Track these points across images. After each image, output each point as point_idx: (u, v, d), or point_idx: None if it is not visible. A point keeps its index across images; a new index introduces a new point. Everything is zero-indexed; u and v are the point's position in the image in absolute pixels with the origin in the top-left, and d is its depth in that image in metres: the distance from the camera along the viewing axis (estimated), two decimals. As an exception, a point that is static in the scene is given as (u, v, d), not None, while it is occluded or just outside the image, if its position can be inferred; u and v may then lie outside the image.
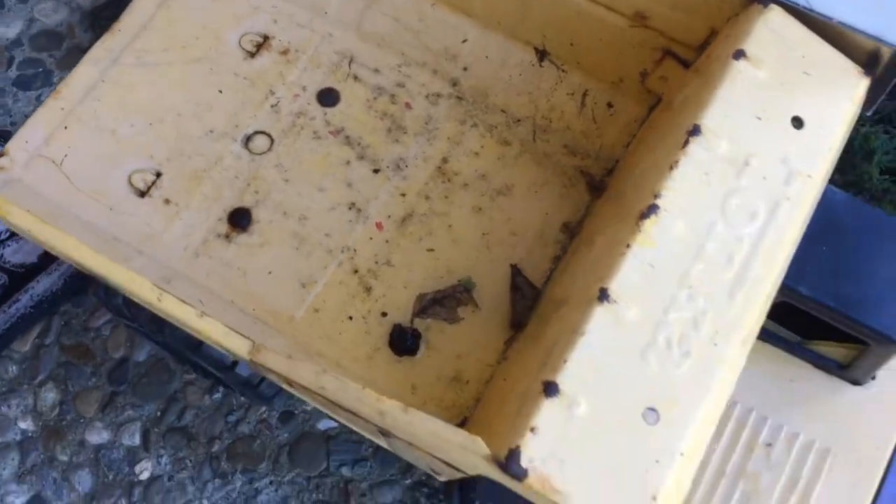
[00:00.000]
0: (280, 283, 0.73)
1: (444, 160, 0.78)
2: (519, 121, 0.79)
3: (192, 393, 0.97)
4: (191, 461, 0.94)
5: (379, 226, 0.76)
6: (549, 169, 0.77)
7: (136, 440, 0.95)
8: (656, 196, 0.53)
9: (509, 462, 0.47)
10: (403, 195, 0.77)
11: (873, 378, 0.63)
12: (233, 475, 0.93)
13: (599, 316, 0.50)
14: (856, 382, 0.63)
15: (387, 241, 0.75)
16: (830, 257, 0.58)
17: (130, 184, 0.76)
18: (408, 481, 0.92)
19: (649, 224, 0.52)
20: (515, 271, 0.73)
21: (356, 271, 0.74)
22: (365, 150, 0.78)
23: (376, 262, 0.74)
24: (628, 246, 0.52)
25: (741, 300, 0.51)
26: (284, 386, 0.63)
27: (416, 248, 0.75)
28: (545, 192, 0.76)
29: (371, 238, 0.75)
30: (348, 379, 0.54)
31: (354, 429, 0.66)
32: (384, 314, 0.72)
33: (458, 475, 0.58)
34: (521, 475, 0.47)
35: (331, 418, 0.94)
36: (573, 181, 0.76)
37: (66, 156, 0.77)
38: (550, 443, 0.48)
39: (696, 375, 0.50)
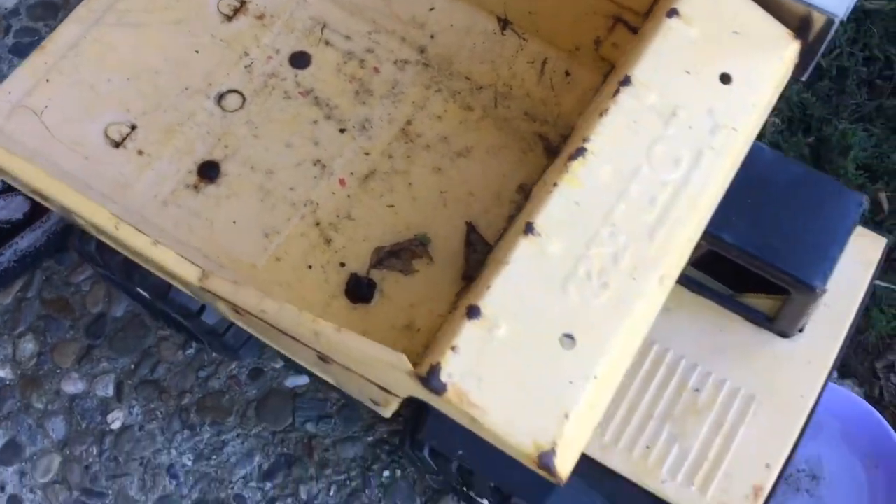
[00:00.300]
0: (244, 232, 0.77)
1: (409, 122, 0.81)
2: (481, 88, 0.82)
3: (166, 348, 1.00)
4: (161, 413, 0.97)
5: (342, 182, 0.79)
6: (509, 134, 0.80)
7: (110, 391, 0.98)
8: (585, 140, 0.56)
9: (429, 377, 0.50)
10: (367, 154, 0.80)
11: (801, 331, 0.66)
12: (201, 427, 0.96)
13: (524, 248, 0.53)
14: (783, 335, 0.66)
15: (349, 197, 0.78)
16: (756, 209, 0.61)
17: (106, 135, 0.80)
18: (370, 438, 0.95)
19: (576, 165, 0.55)
20: (470, 228, 0.76)
21: (318, 224, 0.77)
22: (332, 110, 0.81)
23: (337, 216, 0.77)
24: (555, 185, 0.55)
25: (661, 239, 0.54)
26: (232, 317, 0.66)
27: (377, 204, 0.78)
28: (504, 155, 0.79)
29: (334, 193, 0.78)
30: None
31: (298, 361, 0.69)
32: (342, 265, 0.75)
33: (395, 402, 0.61)
34: (440, 389, 0.50)
35: (298, 372, 0.97)
36: (531, 145, 0.79)
37: (46, 107, 0.81)
38: (469, 361, 0.51)
39: (613, 306, 0.53)
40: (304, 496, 0.93)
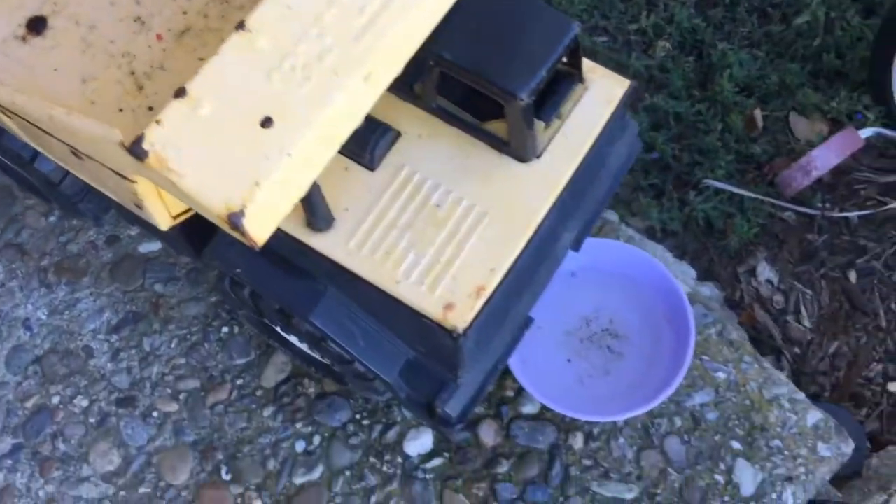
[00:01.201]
0: (64, 79, 0.83)
1: (227, -14, 0.87)
2: (298, -44, 0.88)
3: (31, 216, 1.07)
4: (21, 272, 1.04)
5: (159, 37, 0.85)
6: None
7: (-24, 253, 1.05)
8: (305, -46, 0.62)
9: (134, 146, 0.57)
10: (185, 13, 0.86)
11: (538, 157, 0.72)
12: (57, 286, 1.03)
13: (234, 41, 0.60)
14: (521, 159, 0.72)
15: (164, 50, 0.84)
16: (478, 32, 0.66)
17: (-54, -6, 0.86)
18: (213, 299, 1.02)
19: (293, -26, 0.62)
20: (271, 78, 0.82)
21: (133, 73, 0.83)
22: (157, -26, 0.88)
23: (151, 67, 0.84)
24: (272, -10, 0.61)
25: (367, 43, 0.61)
26: (9, 125, 0.73)
27: (189, 58, 0.84)
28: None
29: (150, 47, 0.84)
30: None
31: (59, 162, 0.76)
32: (150, 108, 0.82)
33: (154, 205, 0.68)
34: (142, 155, 0.57)
35: (152, 239, 1.04)
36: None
37: None
38: (172, 133, 0.57)
39: (313, 96, 0.59)
40: (146, 348, 1.00)
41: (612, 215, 1.22)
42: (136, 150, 0.56)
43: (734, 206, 1.40)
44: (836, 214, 1.40)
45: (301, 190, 0.59)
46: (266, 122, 0.58)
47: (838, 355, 1.32)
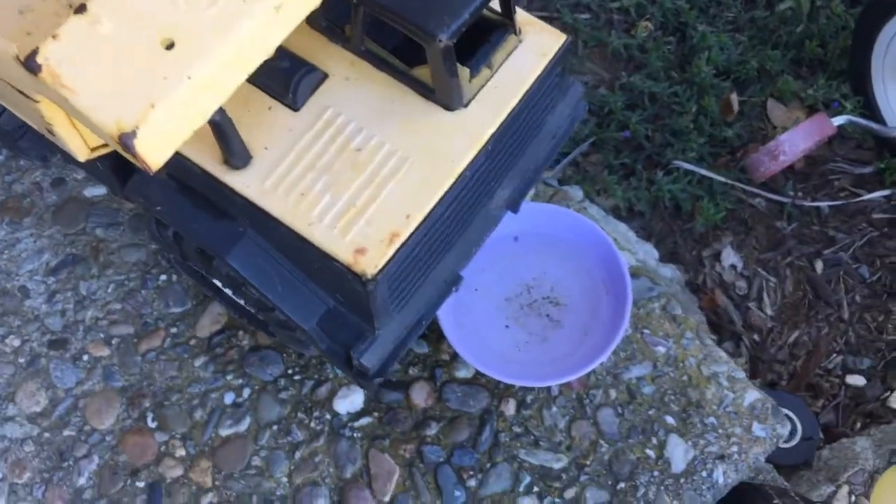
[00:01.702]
0: (1, 10, 0.82)
1: (174, -76, 0.85)
2: None
3: (-23, 155, 1.06)
4: (-37, 210, 1.03)
5: (100, -29, 0.84)
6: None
7: (-81, 188, 1.04)
8: None
9: (28, 60, 0.55)
10: (129, -52, 0.84)
11: (465, 106, 0.70)
12: (-2, 225, 1.02)
13: (140, -39, 0.58)
14: (447, 107, 0.70)
15: (104, -16, 0.83)
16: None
17: None
18: (153, 246, 1.01)
19: None
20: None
21: (71, 6, 0.82)
22: None
23: (90, 0, 0.82)
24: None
25: (279, -29, 0.59)
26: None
27: (129, -7, 0.83)
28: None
29: (91, -20, 0.83)
30: None
31: None
32: (85, 41, 0.80)
33: (62, 128, 0.67)
34: (35, 70, 0.55)
35: (97, 184, 1.03)
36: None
37: None
38: (68, 49, 0.56)
39: (218, 21, 0.57)
40: (83, 291, 0.99)
41: (577, 192, 1.20)
42: (30, 63, 0.55)
43: (703, 189, 1.38)
44: (807, 203, 1.38)
45: (202, 116, 0.58)
46: (168, 44, 0.57)
47: (798, 344, 1.31)
